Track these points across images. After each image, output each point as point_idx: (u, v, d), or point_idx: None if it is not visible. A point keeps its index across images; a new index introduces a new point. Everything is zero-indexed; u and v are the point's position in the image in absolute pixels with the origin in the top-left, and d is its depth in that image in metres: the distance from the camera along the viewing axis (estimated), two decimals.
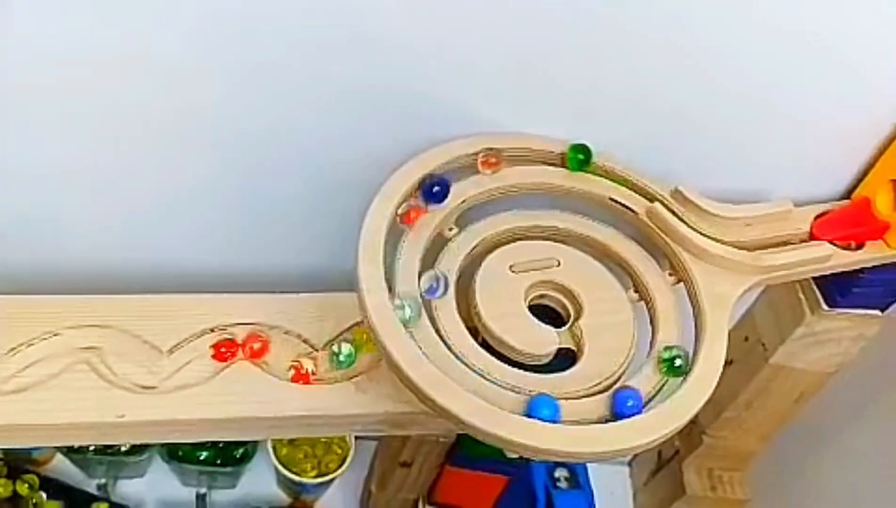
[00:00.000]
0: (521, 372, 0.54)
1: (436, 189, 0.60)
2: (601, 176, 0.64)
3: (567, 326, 0.58)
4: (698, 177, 0.65)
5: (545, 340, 0.56)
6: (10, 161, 0.63)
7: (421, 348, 0.52)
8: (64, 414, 0.57)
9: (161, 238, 0.70)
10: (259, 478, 0.94)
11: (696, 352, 0.56)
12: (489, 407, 0.49)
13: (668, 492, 0.98)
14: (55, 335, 0.60)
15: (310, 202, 0.68)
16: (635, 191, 0.64)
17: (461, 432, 0.51)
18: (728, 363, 0.57)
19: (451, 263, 0.59)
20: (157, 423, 0.58)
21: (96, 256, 0.71)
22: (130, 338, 0.60)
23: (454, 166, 0.62)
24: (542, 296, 0.60)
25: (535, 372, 0.55)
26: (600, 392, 0.54)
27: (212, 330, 0.61)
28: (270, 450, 0.89)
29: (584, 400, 0.54)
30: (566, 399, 0.53)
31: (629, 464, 1.09)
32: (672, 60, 0.61)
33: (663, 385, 0.56)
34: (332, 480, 0.91)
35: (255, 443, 0.91)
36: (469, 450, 0.75)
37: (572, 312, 0.58)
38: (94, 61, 0.57)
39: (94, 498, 0.87)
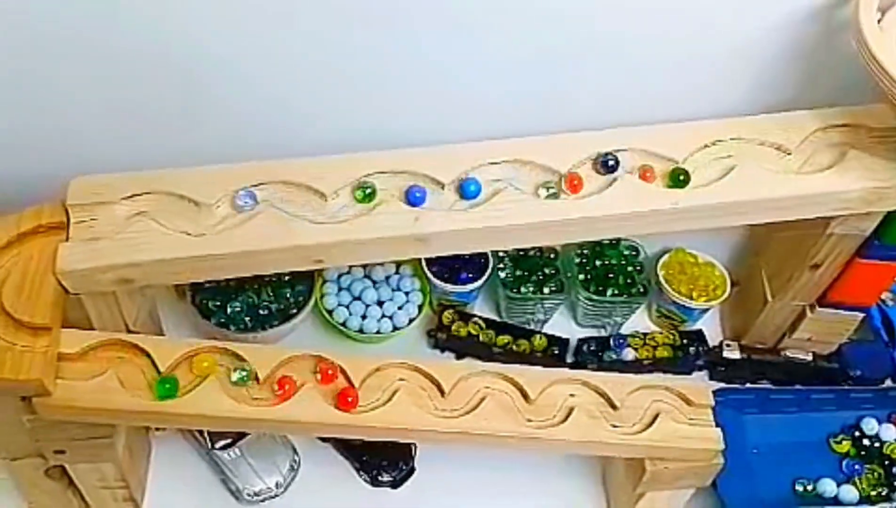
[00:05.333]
0: None
1: None
2: None
3: None
4: None
5: None
6: None
7: None
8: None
9: None
10: (641, 315, 1.14)
11: None
12: None
13: None
14: None
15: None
16: None
17: None
18: None
19: None
20: None
21: None
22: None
23: None
24: None
25: None
26: None
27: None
28: (665, 283, 1.07)
29: None
30: None
31: None
32: None
33: None
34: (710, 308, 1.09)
35: (647, 287, 1.09)
36: (889, 239, 0.90)
37: None
38: None
39: (533, 332, 1.09)
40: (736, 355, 1.07)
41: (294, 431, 0.91)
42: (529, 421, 0.81)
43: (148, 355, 0.77)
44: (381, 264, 1.10)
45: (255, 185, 0.81)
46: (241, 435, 0.98)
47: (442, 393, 0.81)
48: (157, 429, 0.98)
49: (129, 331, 0.86)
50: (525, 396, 0.82)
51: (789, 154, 0.82)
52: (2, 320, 0.74)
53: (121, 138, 0.91)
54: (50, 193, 0.82)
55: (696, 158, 0.82)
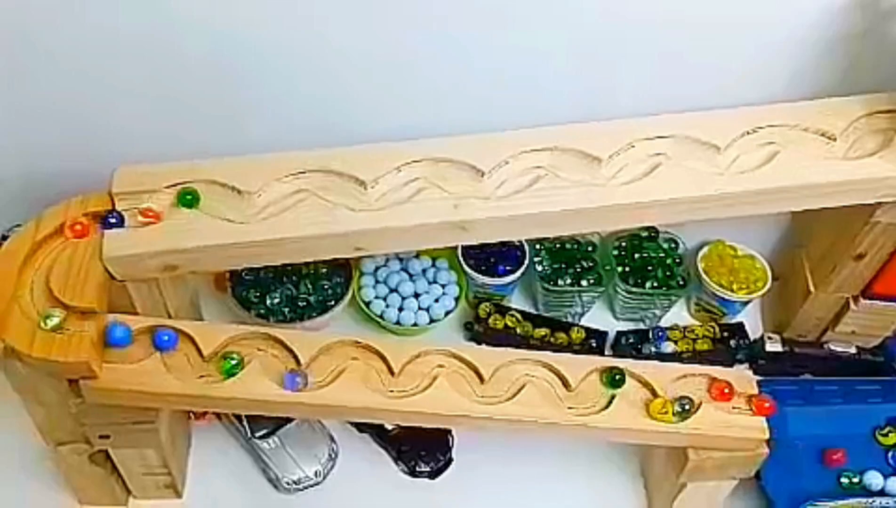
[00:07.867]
0: None
1: None
2: None
3: None
4: None
5: None
6: None
7: None
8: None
9: None
10: (679, 308, 1.13)
11: None
12: None
13: None
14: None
15: None
16: None
17: None
18: None
19: None
20: None
21: None
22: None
23: None
24: None
25: None
26: None
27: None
28: (704, 276, 1.06)
29: None
30: None
31: None
32: None
33: None
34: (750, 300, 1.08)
35: (686, 279, 1.09)
36: None
37: None
38: None
39: (571, 325, 1.08)
40: (778, 348, 1.05)
41: (335, 415, 0.92)
42: (570, 408, 0.80)
43: (192, 340, 0.78)
44: (418, 257, 1.11)
45: (296, 174, 0.82)
46: (281, 424, 0.99)
47: (481, 379, 0.81)
48: (197, 417, 0.99)
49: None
50: (565, 384, 0.81)
51: (834, 140, 0.81)
52: (50, 304, 0.75)
53: (165, 133, 0.92)
54: (97, 188, 0.83)
55: (740, 144, 0.81)
